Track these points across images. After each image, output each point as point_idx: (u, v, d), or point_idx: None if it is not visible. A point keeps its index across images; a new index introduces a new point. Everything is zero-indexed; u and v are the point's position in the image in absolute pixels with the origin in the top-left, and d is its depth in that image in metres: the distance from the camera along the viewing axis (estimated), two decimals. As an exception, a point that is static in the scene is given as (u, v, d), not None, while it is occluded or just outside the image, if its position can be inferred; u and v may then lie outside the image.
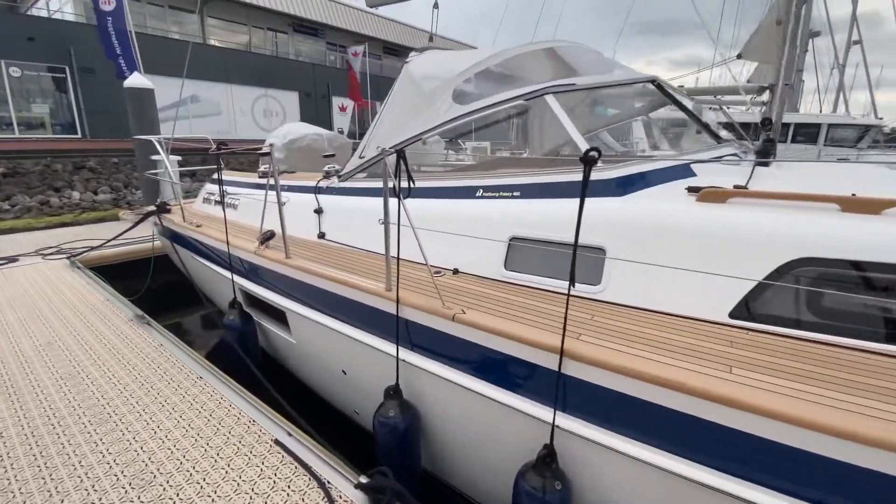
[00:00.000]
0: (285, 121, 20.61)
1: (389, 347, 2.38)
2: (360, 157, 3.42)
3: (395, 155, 2.20)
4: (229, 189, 4.49)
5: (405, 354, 2.32)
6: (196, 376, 2.89)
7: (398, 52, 27.97)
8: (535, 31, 8.79)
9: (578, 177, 2.47)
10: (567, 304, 1.76)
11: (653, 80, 3.06)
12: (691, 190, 2.30)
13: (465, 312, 2.07)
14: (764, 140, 2.64)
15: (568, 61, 3.24)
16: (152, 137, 4.60)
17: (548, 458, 1.82)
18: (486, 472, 2.31)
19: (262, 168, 4.36)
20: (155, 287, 5.05)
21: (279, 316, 3.29)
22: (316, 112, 21.58)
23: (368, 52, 21.46)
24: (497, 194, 2.76)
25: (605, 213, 2.34)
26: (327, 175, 3.86)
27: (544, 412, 1.86)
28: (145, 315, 3.74)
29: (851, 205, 1.93)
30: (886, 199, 1.88)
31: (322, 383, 3.26)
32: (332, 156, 4.40)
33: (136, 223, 4.58)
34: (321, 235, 3.44)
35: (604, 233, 2.30)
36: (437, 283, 2.30)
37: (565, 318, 1.75)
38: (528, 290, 2.43)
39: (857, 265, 1.80)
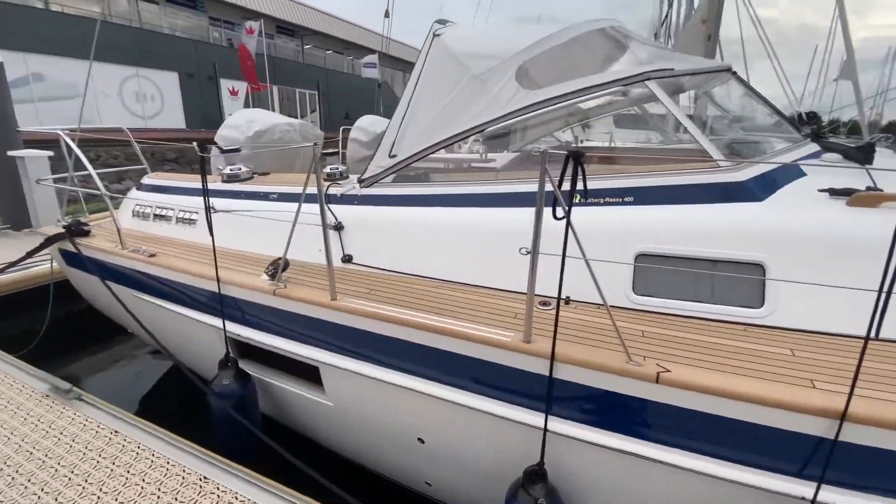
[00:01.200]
0: (164, 106, 17.60)
1: (524, 416, 1.80)
2: (391, 156, 2.68)
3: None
4: (174, 200, 3.35)
5: (554, 425, 1.75)
6: (198, 477, 1.99)
7: (293, 32, 25.56)
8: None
9: (706, 178, 2.13)
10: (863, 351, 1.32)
11: (730, 69, 2.80)
12: (833, 193, 2.06)
13: (668, 371, 1.57)
14: (867, 142, 2.54)
15: (626, 44, 2.83)
16: (45, 129, 3.22)
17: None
18: None
19: (227, 170, 3.29)
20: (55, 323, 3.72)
21: (304, 373, 2.45)
22: (201, 96, 18.80)
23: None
24: (602, 200, 2.27)
25: (756, 223, 2.00)
26: (331, 178, 3.02)
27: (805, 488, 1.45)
28: (73, 387, 2.59)
29: None
30: None
31: (374, 450, 2.52)
32: (238, 150, 3.49)
33: (32, 253, 3.15)
34: (347, 259, 2.64)
35: (760, 246, 1.96)
36: (590, 323, 1.76)
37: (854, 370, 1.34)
38: (686, 321, 2.00)
39: None
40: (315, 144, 2.02)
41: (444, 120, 2.58)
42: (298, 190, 2.96)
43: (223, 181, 3.31)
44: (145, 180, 3.66)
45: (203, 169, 2.35)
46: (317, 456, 2.61)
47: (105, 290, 2.88)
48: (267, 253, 2.84)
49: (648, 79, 2.32)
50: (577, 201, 2.33)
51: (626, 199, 2.23)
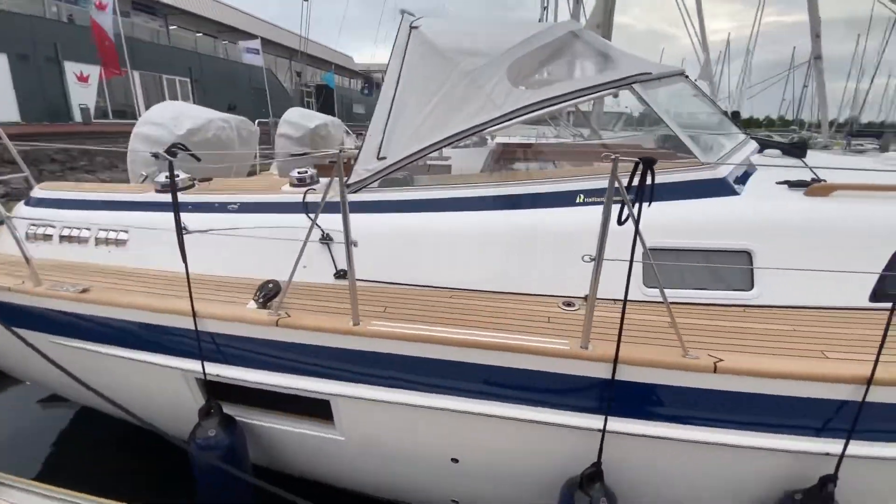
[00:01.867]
0: (-14, 94, 14.19)
1: (578, 419, 1.81)
2: (380, 158, 2.46)
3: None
4: (89, 217, 2.70)
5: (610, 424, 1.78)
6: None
7: (154, 9, 22.27)
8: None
9: (694, 175, 2.33)
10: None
11: (683, 73, 3.06)
12: (790, 185, 2.39)
13: (722, 360, 1.68)
14: (801, 140, 2.96)
15: (596, 46, 2.95)
16: None
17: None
18: None
19: (161, 177, 2.71)
20: None
21: (306, 409, 2.17)
22: (39, 81, 15.55)
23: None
24: (601, 199, 2.35)
25: (739, 214, 2.24)
26: (302, 183, 2.70)
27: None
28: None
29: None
30: None
31: (395, 478, 2.33)
32: (172, 155, 2.97)
33: None
34: (340, 274, 2.38)
35: (746, 235, 2.20)
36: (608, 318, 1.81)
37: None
38: (692, 307, 2.15)
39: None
40: (341, 150, 1.76)
41: (438, 120, 2.45)
42: (264, 199, 2.61)
43: (157, 191, 2.74)
44: (37, 193, 2.89)
45: (172, 178, 1.92)
46: (321, 497, 2.36)
47: (8, 342, 2.22)
48: (235, 275, 2.45)
49: (635, 82, 2.44)
50: (580, 200, 2.40)
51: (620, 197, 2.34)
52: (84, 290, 2.19)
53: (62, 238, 2.69)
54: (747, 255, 2.20)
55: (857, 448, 1.66)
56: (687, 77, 3.08)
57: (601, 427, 1.77)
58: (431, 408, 1.96)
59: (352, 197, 2.49)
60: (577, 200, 2.37)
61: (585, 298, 2.24)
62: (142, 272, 2.51)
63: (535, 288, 2.29)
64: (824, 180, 2.38)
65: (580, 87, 2.44)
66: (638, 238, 1.62)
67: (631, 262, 1.64)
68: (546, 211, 2.36)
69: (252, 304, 2.09)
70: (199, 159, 2.89)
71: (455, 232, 2.37)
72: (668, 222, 2.25)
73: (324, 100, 34.05)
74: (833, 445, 1.67)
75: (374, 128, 2.53)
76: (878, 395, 1.60)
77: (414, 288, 2.32)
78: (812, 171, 2.49)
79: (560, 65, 2.79)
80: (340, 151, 1.86)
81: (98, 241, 2.63)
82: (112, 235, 2.62)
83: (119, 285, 2.34)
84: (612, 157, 1.61)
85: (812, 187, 2.32)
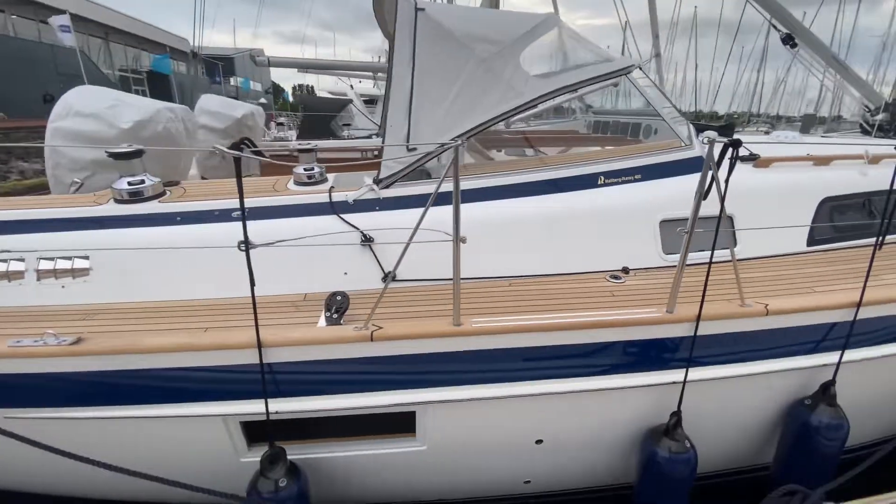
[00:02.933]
0: None
1: (658, 377, 2.02)
2: (410, 150, 2.32)
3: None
4: (30, 241, 1.99)
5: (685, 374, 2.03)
6: None
7: None
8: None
9: (688, 153, 2.71)
10: None
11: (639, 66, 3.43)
12: (741, 160, 2.93)
13: (767, 304, 2.03)
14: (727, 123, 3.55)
15: (566, 35, 3.16)
16: None
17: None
18: None
19: (123, 184, 2.08)
20: None
21: (384, 426, 1.99)
22: None
23: None
24: (619, 179, 2.59)
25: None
26: (311, 180, 2.41)
27: None
28: None
29: (821, 161, 3.03)
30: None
31: (474, 473, 2.26)
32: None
33: None
34: (388, 277, 2.19)
35: (727, 203, 2.64)
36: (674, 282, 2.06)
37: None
38: (701, 267, 2.51)
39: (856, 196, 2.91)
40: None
41: (463, 107, 2.39)
42: (278, 202, 2.27)
43: (117, 200, 2.14)
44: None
45: (240, 180, 1.55)
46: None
47: None
48: (265, 294, 2.09)
49: (629, 71, 2.71)
50: (601, 182, 2.60)
51: (636, 177, 2.61)
52: (76, 342, 1.64)
53: (58, 272, 1.95)
54: (730, 219, 2.65)
55: (850, 355, 2.17)
56: (640, 69, 3.51)
57: (682, 379, 1.99)
58: (520, 395, 1.98)
59: (384, 193, 2.31)
60: (599, 182, 2.57)
61: (624, 270, 2.47)
62: (126, 307, 1.97)
63: (577, 266, 2.43)
64: (759, 155, 2.97)
65: (589, 76, 2.61)
66: (694, 213, 1.85)
67: (717, 230, 1.87)
68: (575, 193, 2.51)
69: (322, 322, 1.82)
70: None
71: (498, 221, 2.37)
72: (669, 196, 2.58)
73: (158, 89, 29.34)
74: (833, 356, 2.15)
75: (394, 117, 2.36)
76: (866, 312, 2.11)
77: (473, 280, 2.27)
78: (747, 148, 3.07)
79: (558, 55, 2.92)
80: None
81: (43, 274, 1.98)
82: (64, 265, 1.99)
83: (106, 327, 1.81)
84: (707, 140, 1.79)
85: (758, 161, 2.88)
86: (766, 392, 2.19)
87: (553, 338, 1.91)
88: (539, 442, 2.15)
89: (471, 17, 2.69)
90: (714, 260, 2.12)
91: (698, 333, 1.98)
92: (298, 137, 8.72)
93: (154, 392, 1.76)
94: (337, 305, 1.84)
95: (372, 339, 1.76)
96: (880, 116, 4.42)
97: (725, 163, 1.81)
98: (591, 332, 1.92)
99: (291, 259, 2.14)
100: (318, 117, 9.04)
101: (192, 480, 1.89)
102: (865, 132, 4.81)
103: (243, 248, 1.52)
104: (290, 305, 2.05)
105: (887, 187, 2.86)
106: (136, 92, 29.74)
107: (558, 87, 2.53)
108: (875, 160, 3.15)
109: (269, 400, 1.78)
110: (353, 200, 2.25)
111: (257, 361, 1.74)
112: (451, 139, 2.34)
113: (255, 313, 1.62)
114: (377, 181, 2.30)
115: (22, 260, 1.97)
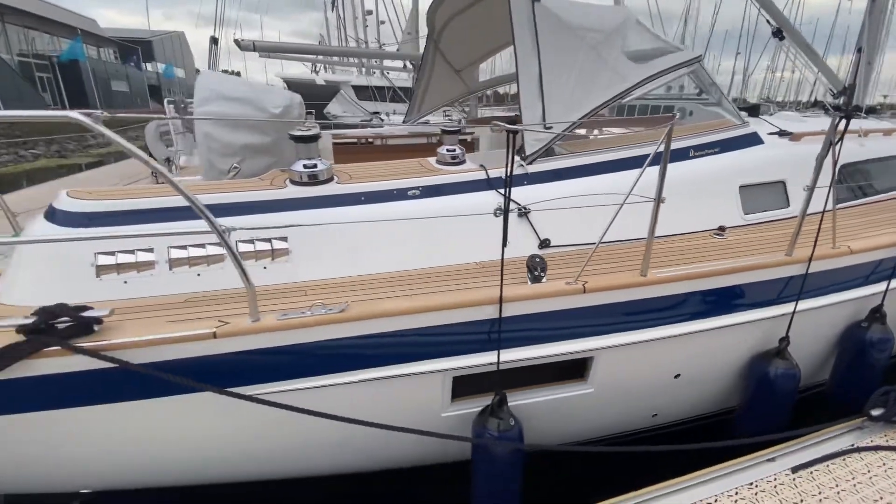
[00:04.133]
0: None
1: (773, 311, 2.48)
2: (547, 128, 2.58)
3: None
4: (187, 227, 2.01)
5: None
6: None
7: None
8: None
9: (745, 130, 3.19)
10: None
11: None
12: (780, 134, 3.48)
13: (849, 245, 2.56)
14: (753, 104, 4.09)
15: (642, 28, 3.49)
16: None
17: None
18: None
19: (298, 165, 2.11)
20: None
21: (567, 372, 2.28)
22: None
23: None
24: (704, 152, 3.01)
25: (773, 156, 3.19)
26: (455, 161, 2.59)
27: None
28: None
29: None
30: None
31: (626, 409, 2.61)
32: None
33: None
34: (545, 244, 2.45)
35: (779, 171, 3.18)
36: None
37: None
38: (770, 224, 3.02)
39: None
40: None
41: (582, 90, 2.68)
42: (444, 180, 2.44)
43: (295, 183, 2.20)
44: (75, 206, 1.95)
45: (511, 155, 1.72)
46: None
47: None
48: (446, 264, 2.29)
49: (700, 60, 3.14)
50: (692, 155, 3.01)
51: (715, 150, 3.06)
52: (343, 310, 1.75)
53: (173, 262, 1.95)
54: (783, 184, 3.19)
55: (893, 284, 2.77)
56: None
57: (792, 310, 2.47)
58: (673, 336, 2.35)
59: (529, 168, 2.56)
60: (690, 155, 2.98)
61: (720, 228, 2.90)
62: (336, 282, 2.08)
63: (683, 228, 2.83)
64: (792, 132, 3.55)
65: (675, 62, 3.00)
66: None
67: (831, 184, 2.32)
68: (674, 165, 2.88)
69: (528, 283, 2.06)
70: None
71: (624, 190, 2.70)
72: (742, 165, 3.06)
73: (69, 77, 26.30)
74: (881, 286, 2.73)
75: (527, 99, 2.59)
76: None
77: (618, 243, 2.57)
78: (775, 125, 3.65)
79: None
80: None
81: (245, 256, 2.02)
82: (263, 247, 2.05)
83: (344, 297, 1.93)
84: (831, 111, 2.23)
85: (793, 135, 3.45)
86: (842, 317, 2.75)
87: (705, 283, 2.30)
88: (677, 377, 2.54)
89: (575, 9, 2.96)
90: (789, 216, 2.62)
91: (813, 271, 2.46)
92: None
93: (391, 354, 1.92)
94: (540, 266, 2.08)
95: (584, 291, 2.03)
96: (841, 100, 5.26)
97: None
98: (738, 275, 2.32)
99: (460, 232, 2.34)
100: (311, 105, 8.81)
101: (397, 438, 2.08)
102: (827, 112, 5.71)
103: (499, 214, 1.73)
104: (468, 273, 2.25)
105: (881, 156, 3.55)
106: (41, 80, 26.47)
107: (653, 73, 2.89)
108: (865, 134, 3.87)
109: (485, 353, 2.01)
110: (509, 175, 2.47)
111: (483, 318, 1.96)
112: (579, 118, 2.65)
113: (502, 273, 1.84)
114: (524, 157, 2.54)
115: (218, 245, 2.00)
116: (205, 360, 1.66)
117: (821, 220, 2.40)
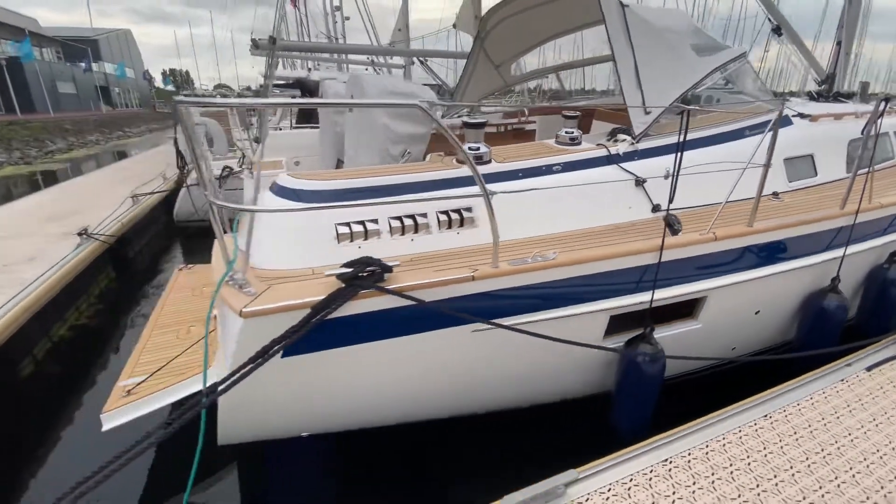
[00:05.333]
0: None
1: (827, 255, 3.12)
2: (647, 112, 3.09)
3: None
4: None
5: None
6: None
7: None
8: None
9: (774, 115, 3.84)
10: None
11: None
12: (801, 117, 4.17)
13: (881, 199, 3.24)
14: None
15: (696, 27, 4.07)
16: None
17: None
18: None
19: (467, 147, 2.49)
20: None
21: (681, 312, 2.81)
22: None
23: None
24: (756, 132, 3.63)
25: (801, 135, 3.86)
26: (573, 142, 3.07)
27: None
28: None
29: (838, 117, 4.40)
30: None
31: (710, 346, 3.16)
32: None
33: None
34: (656, 208, 2.97)
35: (807, 146, 3.86)
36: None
37: None
38: (807, 189, 3.69)
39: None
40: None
41: (669, 80, 3.22)
42: (577, 157, 2.91)
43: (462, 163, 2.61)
44: (303, 184, 2.27)
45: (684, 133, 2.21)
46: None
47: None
48: (581, 227, 2.76)
49: (746, 55, 3.75)
50: (747, 134, 3.61)
51: (761, 130, 3.68)
52: (554, 258, 2.19)
53: (393, 230, 2.33)
54: (811, 157, 3.87)
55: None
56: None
57: (842, 255, 3.12)
58: (762, 277, 2.92)
59: (639, 146, 3.07)
60: (746, 134, 3.58)
61: (774, 194, 3.52)
62: (517, 242, 2.51)
63: (744, 195, 3.43)
64: (811, 115, 4.25)
65: (729, 58, 3.59)
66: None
67: (874, 148, 2.96)
68: (738, 142, 3.47)
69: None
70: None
71: (712, 162, 3.24)
72: (783, 142, 3.70)
73: (16, 79, 24.62)
74: None
75: (628, 89, 3.09)
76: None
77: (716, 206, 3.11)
78: (793, 109, 4.35)
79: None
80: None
81: (441, 225, 2.42)
82: (454, 216, 2.45)
83: (527, 254, 2.36)
84: (881, 98, 2.85)
85: (812, 117, 4.14)
86: (872, 260, 3.44)
87: (786, 232, 2.89)
88: (757, 313, 3.14)
89: (653, 12, 3.48)
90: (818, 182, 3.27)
91: (861, 221, 3.11)
92: (297, 123, 8.62)
93: (574, 295, 2.38)
94: (676, 221, 2.58)
95: (716, 239, 2.57)
96: (824, 87, 6.08)
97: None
98: (807, 226, 2.93)
99: (592, 200, 2.82)
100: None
101: (561, 371, 2.55)
102: (813, 99, 6.58)
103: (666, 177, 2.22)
104: (606, 233, 2.74)
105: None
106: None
107: (716, 66, 3.46)
108: (860, 116, 4.65)
109: (637, 294, 2.51)
110: (623, 153, 2.98)
111: (639, 265, 2.45)
112: (671, 104, 3.18)
113: (664, 230, 2.34)
114: (633, 137, 3.05)
115: (424, 216, 2.39)
116: (465, 298, 2.07)
117: (861, 182, 3.05)
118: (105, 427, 2.59)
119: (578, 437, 2.87)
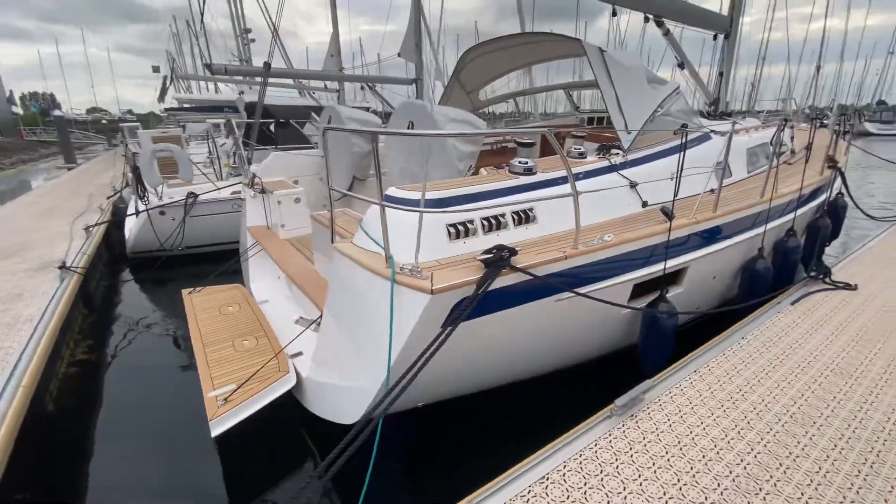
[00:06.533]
0: None
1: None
2: (629, 132, 4.04)
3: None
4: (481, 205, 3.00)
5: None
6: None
7: None
8: None
9: (701, 132, 5.13)
10: None
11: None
12: (714, 133, 5.52)
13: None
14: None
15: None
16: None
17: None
18: None
19: (530, 163, 3.15)
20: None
21: (673, 280, 3.75)
22: None
23: None
24: (696, 145, 4.80)
25: (720, 146, 5.17)
26: (581, 156, 3.94)
27: None
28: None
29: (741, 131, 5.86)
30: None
31: (692, 304, 4.14)
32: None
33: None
34: (644, 204, 3.91)
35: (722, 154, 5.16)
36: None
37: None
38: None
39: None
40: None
41: (640, 108, 4.23)
42: (590, 167, 3.76)
43: (515, 173, 3.28)
44: (415, 193, 2.78)
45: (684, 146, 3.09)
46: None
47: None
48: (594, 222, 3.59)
49: (679, 87, 4.95)
50: (689, 147, 4.77)
51: (697, 144, 4.87)
52: (610, 240, 2.96)
53: (488, 228, 2.92)
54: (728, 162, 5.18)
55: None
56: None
57: (763, 230, 4.33)
58: (720, 249, 3.99)
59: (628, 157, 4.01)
60: (689, 147, 4.73)
61: (711, 190, 4.70)
62: (572, 232, 3.23)
63: (694, 191, 4.55)
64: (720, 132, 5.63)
65: (671, 90, 4.73)
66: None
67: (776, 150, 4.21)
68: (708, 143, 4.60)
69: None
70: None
71: (671, 170, 4.28)
72: (711, 153, 4.95)
73: None
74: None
75: (614, 115, 4.04)
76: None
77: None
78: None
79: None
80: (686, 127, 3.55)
81: (515, 222, 3.07)
82: (522, 216, 3.11)
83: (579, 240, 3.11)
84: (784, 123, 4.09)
85: (721, 133, 5.51)
86: (777, 233, 4.76)
87: (735, 215, 3.99)
88: (714, 278, 4.21)
89: (622, 55, 4.50)
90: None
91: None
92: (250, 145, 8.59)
93: (613, 269, 3.17)
94: (670, 212, 3.50)
95: (698, 222, 3.53)
96: (711, 108, 7.77)
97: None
98: (746, 210, 4.07)
99: (603, 201, 3.66)
100: (264, 125, 9.03)
101: (588, 334, 3.35)
102: (704, 117, 8.35)
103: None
104: (620, 223, 3.60)
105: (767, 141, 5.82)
106: None
107: (664, 96, 4.58)
108: (756, 129, 6.21)
109: (652, 265, 3.38)
110: (619, 163, 3.87)
111: (654, 243, 3.32)
112: (643, 126, 4.19)
113: (667, 218, 3.23)
114: (624, 150, 3.97)
115: (503, 216, 3.02)
116: (553, 275, 2.74)
117: (772, 178, 4.31)
118: (214, 433, 2.81)
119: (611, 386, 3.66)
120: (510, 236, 3.01)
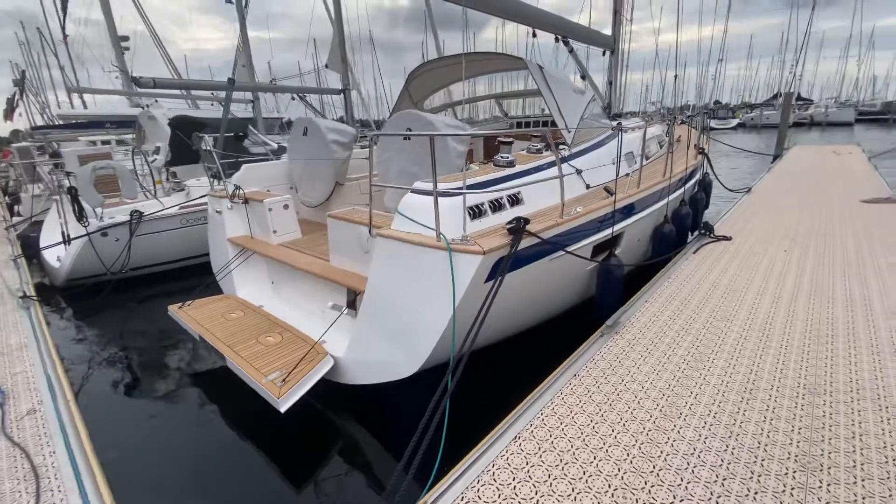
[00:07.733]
0: None
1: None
2: (569, 131, 5.12)
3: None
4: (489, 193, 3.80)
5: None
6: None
7: None
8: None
9: (610, 132, 6.50)
10: None
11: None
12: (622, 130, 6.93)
13: None
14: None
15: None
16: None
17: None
18: None
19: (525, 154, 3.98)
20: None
21: (613, 244, 4.89)
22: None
23: None
24: (609, 141, 6.06)
25: (627, 141, 6.56)
26: (538, 152, 4.93)
27: None
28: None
29: (634, 129, 7.37)
30: None
31: (628, 260, 5.32)
32: None
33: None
34: (587, 186, 5.00)
35: (629, 146, 6.57)
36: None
37: None
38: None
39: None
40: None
41: (574, 111, 5.35)
42: (552, 159, 4.74)
43: (504, 166, 4.11)
44: (443, 185, 3.46)
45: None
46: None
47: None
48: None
49: (594, 96, 6.21)
50: (604, 143, 6.05)
51: (612, 139, 6.16)
52: (581, 212, 3.91)
53: (493, 209, 3.70)
54: (631, 153, 6.58)
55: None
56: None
57: (667, 201, 5.71)
58: (642, 217, 5.25)
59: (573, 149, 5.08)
60: (605, 143, 5.99)
61: (626, 175, 6.02)
62: (550, 209, 4.11)
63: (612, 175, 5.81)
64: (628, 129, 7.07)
65: (589, 98, 5.95)
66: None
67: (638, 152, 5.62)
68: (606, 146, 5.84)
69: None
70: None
71: (602, 160, 5.45)
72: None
73: None
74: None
75: (555, 117, 5.08)
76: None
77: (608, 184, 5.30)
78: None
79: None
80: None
81: (511, 203, 3.90)
82: (513, 199, 3.96)
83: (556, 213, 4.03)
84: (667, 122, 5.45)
85: (625, 129, 6.94)
86: (674, 205, 6.22)
87: (652, 189, 5.26)
88: (638, 241, 5.47)
89: (556, 70, 5.57)
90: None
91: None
92: (172, 163, 8.26)
93: (580, 234, 4.16)
94: (611, 190, 4.60)
95: (630, 196, 4.68)
96: (605, 110, 9.38)
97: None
98: (659, 185, 5.37)
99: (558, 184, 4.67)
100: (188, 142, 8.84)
101: (565, 288, 4.36)
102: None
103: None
104: (577, 201, 4.62)
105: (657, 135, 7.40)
106: None
107: (586, 102, 5.77)
108: (649, 125, 7.79)
109: (604, 231, 4.45)
110: (567, 155, 4.91)
111: (605, 213, 4.39)
112: (578, 124, 5.32)
113: (611, 195, 4.33)
114: (567, 145, 5.01)
115: (500, 199, 3.82)
116: (556, 236, 3.63)
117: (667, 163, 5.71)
118: (284, 408, 3.24)
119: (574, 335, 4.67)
120: (508, 215, 3.84)
